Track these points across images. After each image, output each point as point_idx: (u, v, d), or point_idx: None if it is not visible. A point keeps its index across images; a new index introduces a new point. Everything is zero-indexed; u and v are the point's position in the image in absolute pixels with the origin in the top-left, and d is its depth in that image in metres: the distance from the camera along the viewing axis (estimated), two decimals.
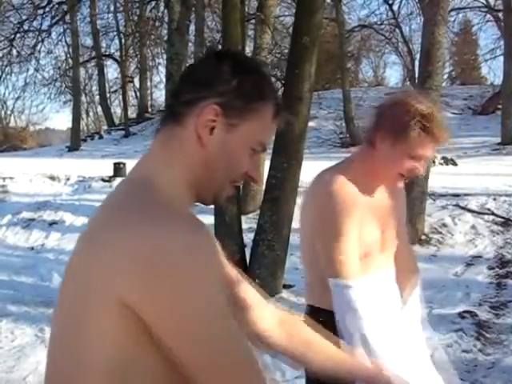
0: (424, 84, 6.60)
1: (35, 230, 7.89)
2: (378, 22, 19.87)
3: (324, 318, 1.76)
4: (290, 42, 5.25)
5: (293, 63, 4.99)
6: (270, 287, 5.11)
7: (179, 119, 0.99)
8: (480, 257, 6.18)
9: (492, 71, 30.91)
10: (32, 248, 7.38)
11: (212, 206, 5.88)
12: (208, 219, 6.48)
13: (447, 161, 11.90)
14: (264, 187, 5.48)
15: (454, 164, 11.88)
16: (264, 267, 5.14)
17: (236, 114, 0.98)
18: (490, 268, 5.91)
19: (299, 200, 5.40)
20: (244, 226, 5.89)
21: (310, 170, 6.96)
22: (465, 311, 4.79)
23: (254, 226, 6.08)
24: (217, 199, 1.05)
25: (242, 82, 0.98)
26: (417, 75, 8.36)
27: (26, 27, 17.61)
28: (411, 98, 1.79)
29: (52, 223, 8.03)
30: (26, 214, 8.33)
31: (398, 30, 19.82)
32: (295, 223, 5.48)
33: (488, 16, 20.09)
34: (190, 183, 0.99)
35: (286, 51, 15.75)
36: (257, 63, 1.09)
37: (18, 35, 17.67)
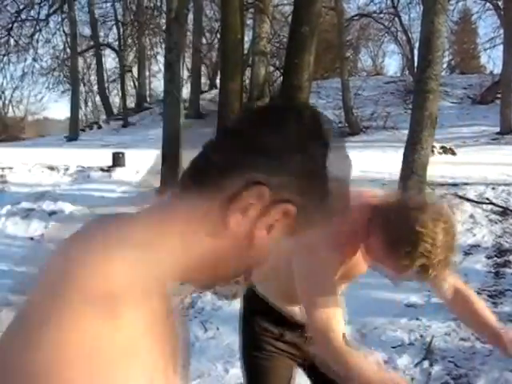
0: (423, 73, 6.59)
1: (34, 219, 7.90)
2: (378, 11, 19.82)
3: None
4: (289, 32, 5.25)
5: (292, 53, 4.98)
6: None
7: (220, 199, 0.72)
8: (478, 246, 6.21)
9: (491, 60, 30.87)
10: (31, 238, 7.39)
11: None
12: None
13: (446, 150, 11.89)
14: None
15: (453, 153, 11.87)
16: None
17: (307, 221, 0.75)
18: (489, 257, 5.93)
19: None
20: None
21: None
22: None
23: None
24: (209, 287, 0.89)
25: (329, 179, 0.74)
26: (416, 64, 8.35)
27: (23, 16, 17.54)
28: (426, 224, 1.48)
29: (51, 213, 8.04)
30: (25, 204, 8.34)
31: (397, 19, 19.77)
32: None
33: (488, 5, 20.00)
34: (183, 266, 0.74)
35: (285, 40, 15.71)
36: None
37: (16, 24, 17.60)
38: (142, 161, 9.71)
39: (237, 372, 3.84)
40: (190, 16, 15.98)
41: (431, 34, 6.49)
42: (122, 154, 9.72)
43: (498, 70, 18.83)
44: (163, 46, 15.89)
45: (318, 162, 0.73)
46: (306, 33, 4.74)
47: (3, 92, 22.70)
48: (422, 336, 4.22)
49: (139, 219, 0.74)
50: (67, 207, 8.16)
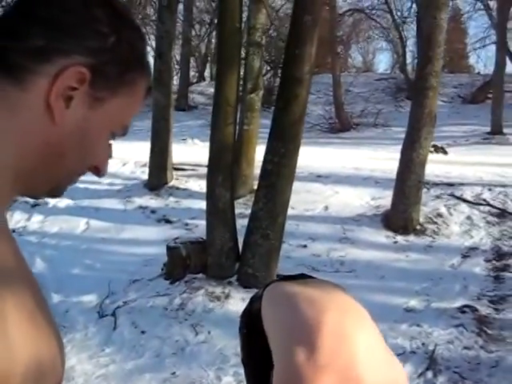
0: (423, 70, 6.42)
1: (17, 211, 7.60)
2: (370, 7, 19.68)
3: None
4: (291, 21, 4.99)
5: (293, 43, 4.74)
6: (263, 277, 4.91)
7: (17, 75, 0.66)
8: (476, 248, 6.05)
9: (480, 60, 30.94)
10: (13, 230, 7.08)
11: (204, 191, 5.64)
12: (199, 204, 6.27)
13: (437, 149, 11.75)
14: (259, 172, 5.25)
15: (445, 152, 11.74)
16: (258, 256, 4.93)
17: (107, 85, 0.70)
18: (487, 260, 5.77)
19: (295, 186, 5.20)
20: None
21: (299, 155, 6.71)
22: (464, 305, 4.65)
23: (245, 211, 5.87)
24: (53, 194, 0.76)
25: (121, 40, 0.69)
26: (409, 61, 8.16)
27: None
28: None
29: (35, 205, 7.74)
30: None
31: (389, 16, 19.63)
32: (290, 210, 5.28)
33: (478, 4, 19.95)
34: (16, 170, 0.68)
35: (276, 33, 15.46)
36: (133, 16, 0.78)
37: None
38: (130, 153, 9.43)
39: (230, 380, 3.63)
40: (180, 6, 15.68)
41: (433, 29, 6.31)
42: (109, 144, 9.44)
43: (486, 71, 18.83)
44: (152, 36, 15.57)
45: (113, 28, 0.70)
46: (309, 22, 4.51)
47: None
48: (423, 344, 4.03)
49: None
50: (51, 199, 7.87)
